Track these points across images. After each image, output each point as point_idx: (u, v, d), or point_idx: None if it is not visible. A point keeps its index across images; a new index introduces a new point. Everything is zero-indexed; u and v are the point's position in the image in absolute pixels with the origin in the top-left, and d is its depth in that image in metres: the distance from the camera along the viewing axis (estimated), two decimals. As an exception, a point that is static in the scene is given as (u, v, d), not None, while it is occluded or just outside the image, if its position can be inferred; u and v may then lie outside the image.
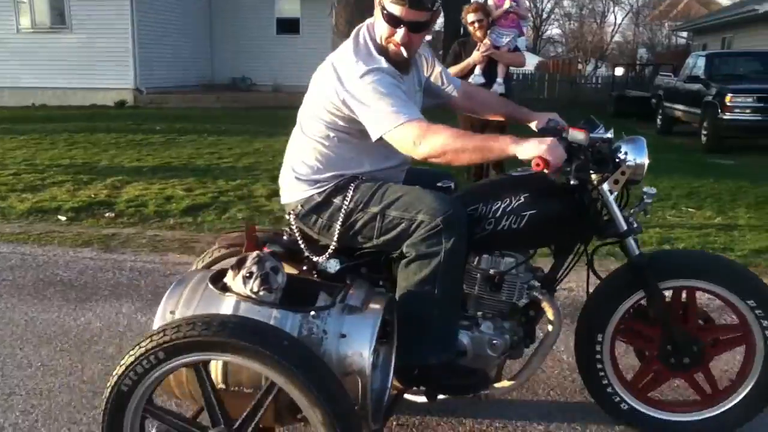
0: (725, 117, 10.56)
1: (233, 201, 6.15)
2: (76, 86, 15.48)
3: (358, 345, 1.87)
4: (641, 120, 15.83)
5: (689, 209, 6.34)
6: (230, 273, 1.97)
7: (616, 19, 46.03)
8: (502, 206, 2.19)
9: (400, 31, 2.10)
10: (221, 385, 1.85)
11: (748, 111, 10.49)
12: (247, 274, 1.91)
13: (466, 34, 5.65)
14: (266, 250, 2.19)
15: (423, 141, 2.00)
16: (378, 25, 2.16)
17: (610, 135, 2.21)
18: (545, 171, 1.93)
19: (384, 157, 2.24)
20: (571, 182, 2.08)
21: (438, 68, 2.51)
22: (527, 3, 5.37)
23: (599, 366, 2.43)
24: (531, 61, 31.68)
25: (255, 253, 1.97)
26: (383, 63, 2.12)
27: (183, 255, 4.72)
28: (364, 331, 1.90)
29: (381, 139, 2.05)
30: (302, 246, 2.30)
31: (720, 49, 18.79)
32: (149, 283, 4.16)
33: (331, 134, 2.20)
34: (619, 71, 22.11)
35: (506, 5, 4.98)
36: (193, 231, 5.37)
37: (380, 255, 2.28)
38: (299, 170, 2.27)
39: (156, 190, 6.45)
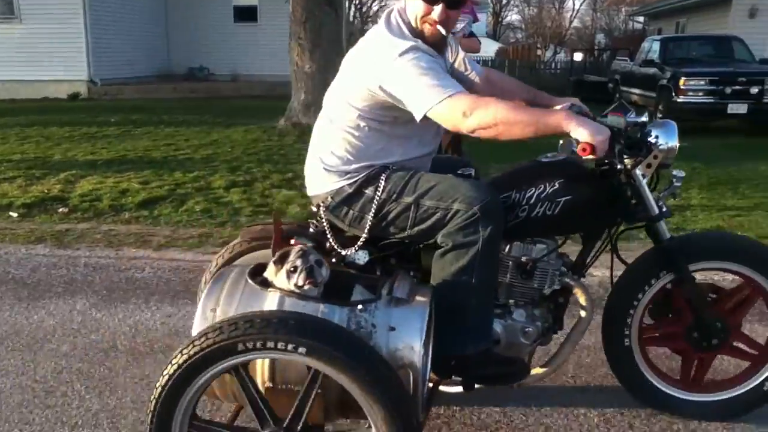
0: (679, 100, 10.77)
1: (191, 193, 6.05)
2: (26, 78, 15.05)
3: (408, 337, 1.84)
4: (600, 104, 16.07)
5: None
6: (272, 267, 1.93)
7: (574, 4, 46.47)
8: (537, 192, 2.18)
9: (438, 8, 2.07)
10: (268, 384, 1.82)
11: (701, 94, 10.71)
12: (291, 269, 1.88)
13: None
14: (294, 242, 2.13)
15: (474, 112, 1.94)
16: (412, 5, 2.11)
17: (644, 119, 2.22)
18: (591, 156, 1.92)
19: (414, 146, 2.22)
20: (602, 167, 2.12)
21: (461, 54, 2.46)
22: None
23: (629, 351, 2.44)
24: (491, 47, 31.84)
25: (298, 247, 1.94)
26: (420, 43, 2.07)
27: (139, 249, 4.64)
28: (413, 323, 1.86)
29: (424, 118, 1.99)
30: (330, 238, 2.25)
31: (674, 34, 19.15)
32: (104, 278, 4.08)
33: (362, 123, 2.14)
34: (578, 56, 22.39)
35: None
36: (149, 225, 5.28)
37: (409, 246, 2.26)
38: (328, 161, 2.21)
39: (111, 184, 6.31)
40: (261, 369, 1.82)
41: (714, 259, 2.37)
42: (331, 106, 2.23)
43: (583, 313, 2.34)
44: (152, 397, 1.75)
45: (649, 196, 2.26)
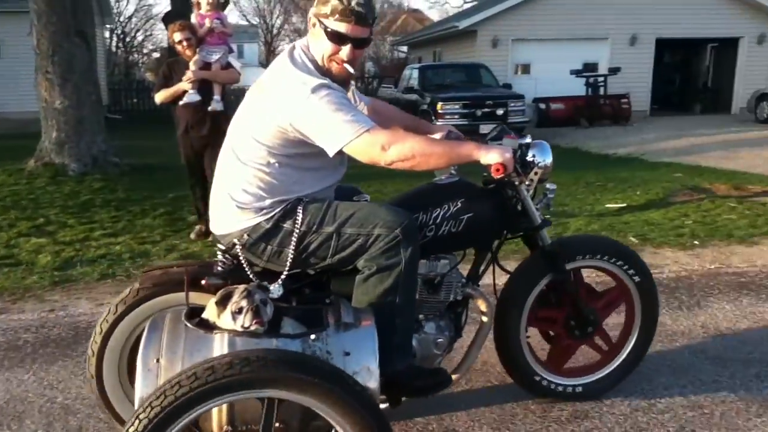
0: (439, 123, 11.66)
1: None
2: None
3: (364, 360, 1.88)
4: (370, 129, 16.82)
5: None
6: (214, 309, 1.89)
7: (343, 34, 48.52)
8: (442, 212, 2.35)
9: (346, 48, 2.09)
10: (227, 428, 1.80)
11: (456, 116, 11.72)
12: (236, 310, 1.85)
13: (173, 54, 5.48)
14: (204, 282, 2.13)
15: (393, 146, 2.01)
16: (318, 45, 2.12)
17: (528, 140, 2.41)
18: (501, 175, 2.12)
19: (323, 176, 2.24)
20: (491, 185, 2.42)
21: (351, 86, 2.42)
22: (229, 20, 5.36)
23: (519, 349, 2.66)
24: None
25: (243, 287, 1.90)
26: (329, 81, 2.07)
27: None
28: (366, 344, 1.91)
29: (339, 152, 2.03)
30: (250, 275, 2.20)
31: (432, 62, 20.78)
32: None
33: (272, 160, 2.12)
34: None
35: (208, 24, 4.92)
36: None
37: (322, 274, 2.27)
38: (240, 199, 2.15)
39: None
40: (218, 415, 1.79)
41: (584, 258, 2.69)
42: (237, 143, 2.18)
43: (485, 318, 2.55)
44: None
45: (533, 208, 2.51)
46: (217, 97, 5.01)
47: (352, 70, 2.14)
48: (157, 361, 1.82)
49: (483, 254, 2.58)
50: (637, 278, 2.75)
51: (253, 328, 1.85)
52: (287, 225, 2.15)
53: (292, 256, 2.16)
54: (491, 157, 2.10)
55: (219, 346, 1.82)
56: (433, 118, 11.70)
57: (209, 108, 4.96)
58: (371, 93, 21.82)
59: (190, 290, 2.11)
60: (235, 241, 2.20)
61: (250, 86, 2.30)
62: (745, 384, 2.94)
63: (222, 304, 1.88)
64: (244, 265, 2.22)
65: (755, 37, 19.36)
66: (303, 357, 1.77)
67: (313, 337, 1.88)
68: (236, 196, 2.17)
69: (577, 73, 16.29)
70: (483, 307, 2.53)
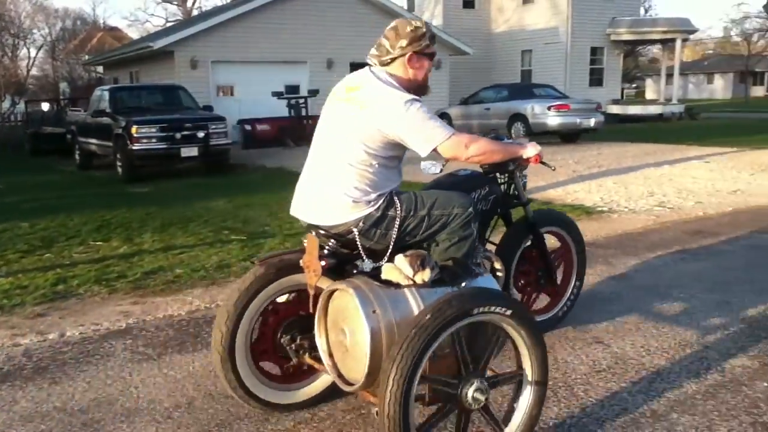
0: (134, 147, 11.01)
1: None
2: None
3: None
4: (62, 156, 15.34)
5: (97, 242, 6.28)
6: (393, 271, 2.47)
7: (30, 52, 43.64)
8: (476, 195, 3.19)
9: (430, 65, 2.80)
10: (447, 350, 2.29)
11: (154, 140, 11.14)
12: (418, 268, 2.44)
13: None
14: (324, 263, 2.60)
15: (472, 146, 2.66)
16: (416, 69, 2.72)
17: (525, 139, 3.59)
18: (537, 162, 3.10)
19: (399, 173, 2.78)
20: (492, 174, 3.36)
21: None
22: None
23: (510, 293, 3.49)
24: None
25: (422, 253, 2.52)
26: (414, 96, 2.62)
27: None
28: (491, 283, 2.69)
29: (433, 151, 2.61)
30: (363, 255, 2.66)
31: (129, 83, 19.62)
32: None
33: (374, 162, 2.62)
34: (45, 106, 20.97)
35: None
36: None
37: (400, 250, 2.65)
38: (354, 195, 2.60)
39: None
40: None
41: (548, 226, 3.72)
42: (344, 149, 2.62)
43: (499, 274, 3.01)
44: (397, 364, 2.11)
45: (522, 189, 3.46)
46: None
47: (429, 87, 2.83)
48: (374, 312, 2.31)
49: (486, 225, 3.38)
50: (576, 241, 3.84)
51: (428, 280, 2.45)
52: (391, 212, 2.67)
53: (395, 237, 2.68)
54: (531, 151, 3.04)
55: (411, 296, 2.39)
56: (129, 142, 10.97)
57: None
58: (64, 116, 19.98)
59: (298, 272, 2.73)
60: (353, 228, 2.64)
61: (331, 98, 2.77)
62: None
63: (413, 264, 2.44)
64: (359, 246, 2.65)
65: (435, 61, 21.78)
66: (493, 290, 2.52)
67: (464, 284, 2.55)
68: (350, 193, 2.60)
69: (278, 95, 16.67)
70: (497, 265, 3.04)
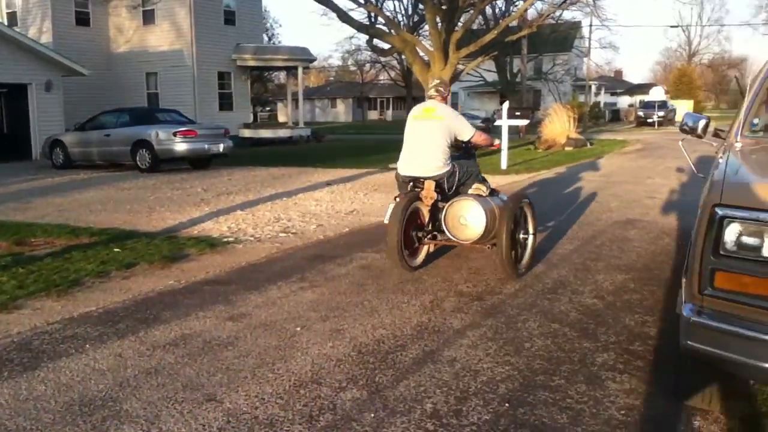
0: None
1: None
2: None
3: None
4: None
5: None
6: (479, 191, 5.72)
7: None
8: (470, 167, 5.98)
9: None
10: None
11: None
12: (485, 189, 5.81)
13: None
14: (424, 194, 5.62)
15: (482, 136, 5.91)
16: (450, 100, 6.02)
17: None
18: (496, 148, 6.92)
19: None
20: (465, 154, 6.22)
21: None
22: None
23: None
24: None
25: (484, 187, 5.86)
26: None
27: None
28: (504, 198, 5.91)
29: (470, 138, 5.79)
30: (446, 188, 5.69)
31: None
32: None
33: (447, 145, 5.60)
34: None
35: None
36: None
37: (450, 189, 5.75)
38: (441, 162, 5.55)
39: None
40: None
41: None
42: (438, 141, 5.57)
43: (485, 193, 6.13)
44: (506, 224, 5.27)
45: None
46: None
47: None
48: (483, 206, 5.43)
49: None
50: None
51: (487, 193, 5.76)
52: (455, 170, 5.68)
53: (460, 182, 5.74)
54: (497, 141, 6.49)
55: (488, 199, 5.56)
56: None
57: None
58: None
59: (417, 201, 5.61)
60: (444, 176, 5.60)
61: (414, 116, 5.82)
62: None
63: (477, 191, 5.73)
64: (445, 184, 5.63)
65: (42, 84, 19.43)
66: (521, 193, 6.09)
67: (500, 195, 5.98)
68: (441, 160, 5.56)
69: None
70: (486, 190, 5.90)
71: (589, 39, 42.77)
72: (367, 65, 61.04)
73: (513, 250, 5.28)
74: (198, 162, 16.00)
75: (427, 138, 5.57)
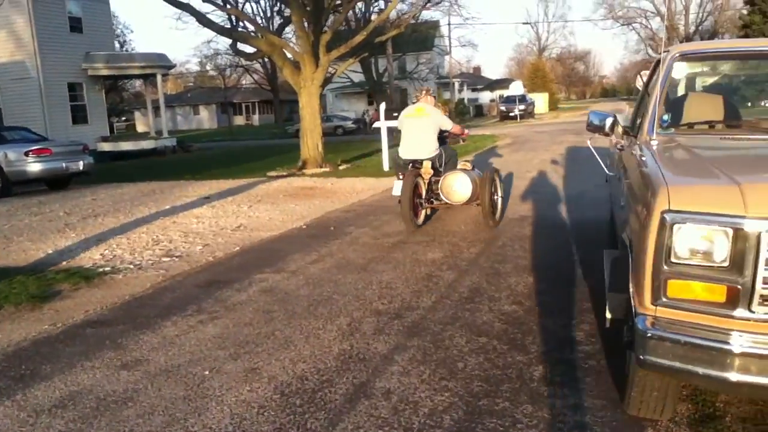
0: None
1: None
2: None
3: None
4: None
5: None
6: (465, 166, 8.17)
7: None
8: (451, 153, 8.27)
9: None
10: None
11: None
12: (469, 165, 8.33)
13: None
14: (423, 171, 7.82)
15: (458, 128, 8.36)
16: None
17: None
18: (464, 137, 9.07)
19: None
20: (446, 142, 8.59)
21: None
22: None
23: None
24: None
25: (469, 164, 8.41)
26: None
27: None
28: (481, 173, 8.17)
29: (450, 129, 8.15)
30: (437, 166, 7.88)
31: None
32: None
33: (436, 135, 7.82)
34: None
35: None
36: None
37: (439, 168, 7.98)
38: (433, 146, 7.75)
39: None
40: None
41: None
42: (429, 132, 7.79)
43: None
44: (487, 188, 7.72)
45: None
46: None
47: None
48: (474, 183, 7.78)
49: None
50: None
51: (471, 168, 8.25)
52: (443, 152, 7.93)
53: (445, 162, 7.92)
54: (467, 131, 9.10)
55: (472, 172, 8.08)
56: None
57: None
58: None
59: (418, 176, 7.79)
60: (436, 158, 7.81)
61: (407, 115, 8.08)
62: None
63: (465, 165, 8.25)
64: (436, 163, 7.81)
65: None
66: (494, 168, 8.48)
67: (476, 170, 8.29)
68: (432, 146, 7.78)
69: None
70: (465, 167, 8.27)
71: (449, 37, 44.10)
72: (228, 70, 59.36)
73: (492, 208, 7.54)
74: (56, 182, 14.60)
75: (422, 130, 7.81)
